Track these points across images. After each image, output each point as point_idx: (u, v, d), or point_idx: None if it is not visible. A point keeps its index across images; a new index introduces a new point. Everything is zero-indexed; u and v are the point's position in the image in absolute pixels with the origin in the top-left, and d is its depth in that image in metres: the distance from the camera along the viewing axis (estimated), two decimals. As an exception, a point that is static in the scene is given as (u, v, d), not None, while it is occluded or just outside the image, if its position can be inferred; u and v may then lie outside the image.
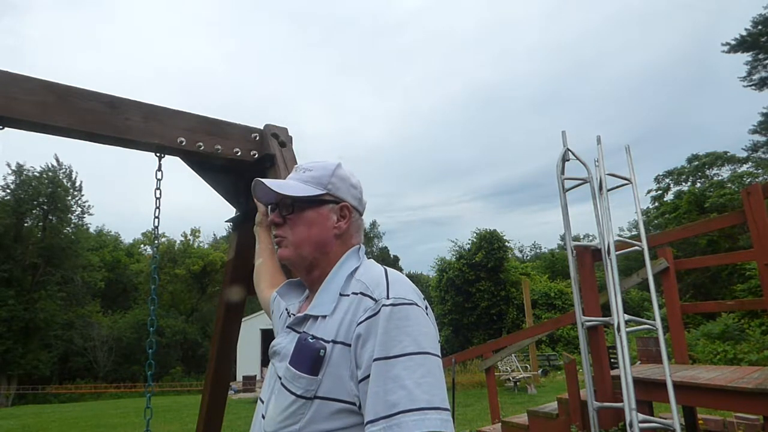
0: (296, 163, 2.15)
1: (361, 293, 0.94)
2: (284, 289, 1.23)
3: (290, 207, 1.08)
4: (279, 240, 1.09)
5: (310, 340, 0.92)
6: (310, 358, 0.90)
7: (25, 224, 32.80)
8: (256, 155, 2.14)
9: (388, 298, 0.91)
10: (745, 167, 26.56)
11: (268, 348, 1.11)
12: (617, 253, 4.08)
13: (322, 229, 1.07)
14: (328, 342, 0.91)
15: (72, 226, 34.87)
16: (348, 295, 0.97)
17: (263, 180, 1.10)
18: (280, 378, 0.96)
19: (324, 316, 0.96)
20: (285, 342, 1.03)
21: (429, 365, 0.84)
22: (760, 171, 24.81)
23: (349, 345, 0.89)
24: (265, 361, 26.26)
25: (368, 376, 0.84)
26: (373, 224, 53.58)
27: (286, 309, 1.14)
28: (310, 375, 0.89)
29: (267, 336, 26.45)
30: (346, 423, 0.88)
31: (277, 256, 1.12)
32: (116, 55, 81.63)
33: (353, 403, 0.88)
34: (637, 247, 4.52)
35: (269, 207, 1.16)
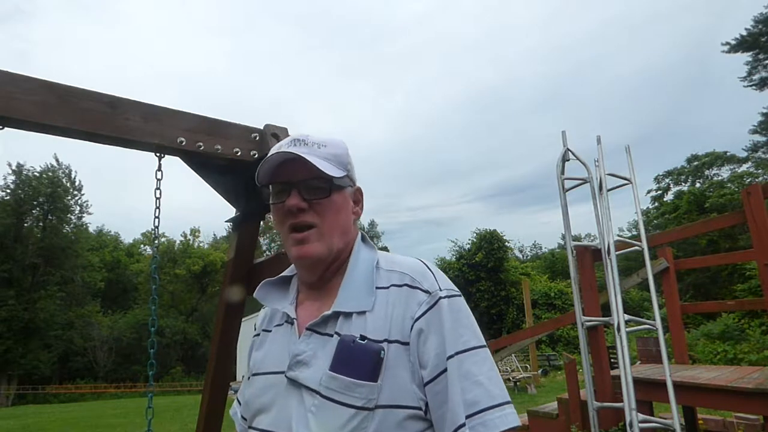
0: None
1: (407, 285, 0.85)
2: (263, 291, 1.02)
3: (324, 190, 0.90)
4: (304, 236, 0.89)
5: (362, 342, 0.80)
6: (368, 362, 0.78)
7: (25, 224, 32.81)
8: (256, 155, 2.14)
9: (441, 289, 0.84)
10: (745, 167, 26.57)
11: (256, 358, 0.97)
12: (617, 253, 4.08)
13: (347, 215, 0.95)
14: (380, 342, 0.80)
15: (72, 225, 34.88)
16: (387, 288, 0.86)
17: (295, 151, 0.88)
18: (317, 392, 0.80)
19: (362, 313, 0.84)
20: (311, 347, 0.85)
21: (490, 358, 0.82)
22: (760, 171, 24.81)
23: (407, 343, 0.80)
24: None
25: (437, 377, 0.78)
26: (372, 224, 53.53)
27: (285, 312, 0.96)
28: (370, 381, 0.77)
29: (267, 336, 26.38)
30: (413, 431, 0.78)
31: (298, 253, 0.89)
32: (116, 55, 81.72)
33: (419, 408, 0.78)
34: (637, 247, 4.52)
35: (276, 188, 0.94)
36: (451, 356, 0.78)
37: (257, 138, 2.17)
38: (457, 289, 0.87)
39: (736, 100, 57.77)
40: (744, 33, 21.82)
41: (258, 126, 2.19)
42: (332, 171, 0.90)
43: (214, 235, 49.90)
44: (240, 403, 1.04)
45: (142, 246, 45.23)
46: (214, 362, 2.40)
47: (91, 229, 40.33)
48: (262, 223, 2.46)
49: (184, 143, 1.95)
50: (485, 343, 0.83)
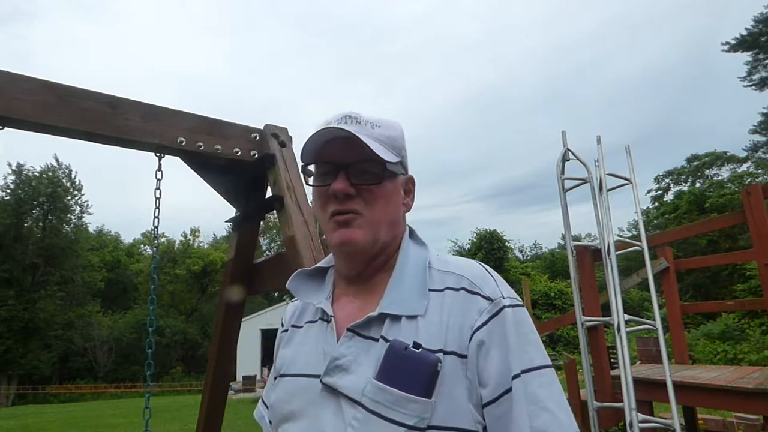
0: (296, 164, 2.15)
1: (465, 289, 0.76)
2: (297, 282, 0.93)
3: (376, 175, 0.81)
4: (348, 217, 0.80)
5: (417, 350, 0.70)
6: (422, 374, 0.69)
7: (25, 224, 32.79)
8: (256, 155, 2.14)
9: (504, 297, 0.75)
10: (745, 167, 26.58)
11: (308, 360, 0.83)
12: (617, 253, 4.08)
13: (397, 206, 0.86)
14: (435, 352, 0.70)
15: (72, 225, 34.88)
16: (441, 291, 0.77)
17: (348, 128, 0.79)
18: (359, 404, 0.70)
19: (413, 317, 0.75)
20: (352, 351, 0.76)
21: (557, 380, 0.73)
22: (760, 171, 24.82)
23: (464, 356, 0.70)
24: (265, 361, 26.27)
25: (499, 397, 0.69)
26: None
27: (320, 308, 0.86)
28: (424, 397, 0.67)
29: (267, 336, 26.43)
30: None
31: (339, 238, 0.80)
32: (116, 55, 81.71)
33: None
34: (637, 247, 4.51)
35: (321, 168, 0.84)
36: (516, 375, 0.69)
37: (257, 138, 2.17)
38: (519, 299, 0.78)
39: (736, 100, 57.86)
40: (744, 33, 21.82)
41: (258, 126, 2.19)
42: (386, 155, 0.80)
43: (214, 235, 49.89)
44: (267, 406, 0.94)
45: (142, 246, 45.21)
46: (214, 362, 2.40)
47: (91, 229, 40.35)
48: (262, 223, 2.46)
49: (184, 143, 1.95)
50: (551, 363, 0.74)
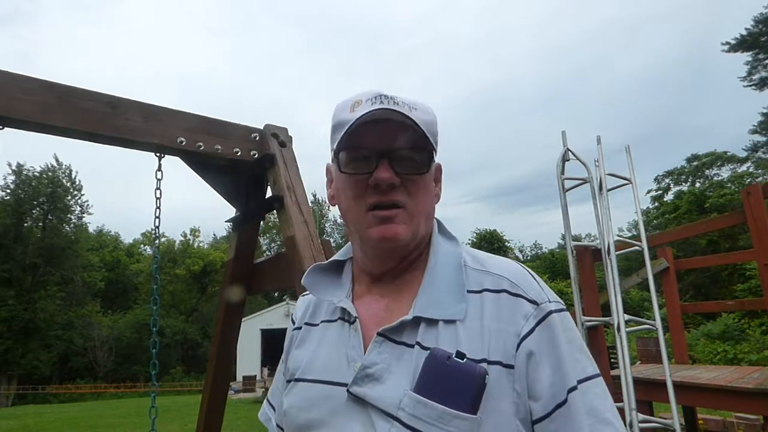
0: (296, 164, 2.15)
1: (507, 292, 0.69)
2: (312, 277, 0.84)
3: (422, 164, 0.74)
4: (393, 213, 0.71)
5: (461, 360, 0.63)
6: (468, 388, 0.62)
7: (25, 224, 32.80)
8: (256, 155, 2.14)
9: (550, 301, 0.70)
10: (745, 167, 26.59)
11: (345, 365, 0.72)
12: (617, 253, 4.08)
13: (432, 197, 0.79)
14: (479, 362, 0.64)
15: (72, 225, 34.90)
16: (479, 292, 0.70)
17: (397, 97, 0.73)
18: (395, 418, 0.63)
19: (451, 322, 0.68)
20: (384, 358, 0.68)
21: (606, 388, 0.68)
22: (760, 171, 24.83)
23: (511, 366, 0.64)
24: (265, 361, 26.24)
25: (553, 411, 0.63)
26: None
27: (341, 308, 0.78)
28: (470, 413, 0.60)
29: (267, 336, 26.42)
30: None
31: (381, 234, 0.71)
32: (116, 55, 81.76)
33: None
34: (637, 247, 4.51)
35: (355, 154, 0.74)
36: (573, 388, 0.63)
37: (257, 138, 2.17)
38: (562, 302, 0.73)
39: (736, 100, 57.88)
40: (744, 33, 21.82)
41: (258, 126, 2.19)
42: (431, 142, 0.73)
43: (214, 235, 49.91)
44: (273, 408, 0.88)
45: (142, 246, 45.22)
46: (214, 362, 2.40)
47: (91, 229, 40.40)
48: (262, 223, 2.46)
49: (184, 143, 1.95)
50: (599, 370, 0.69)
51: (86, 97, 1.78)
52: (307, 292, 0.88)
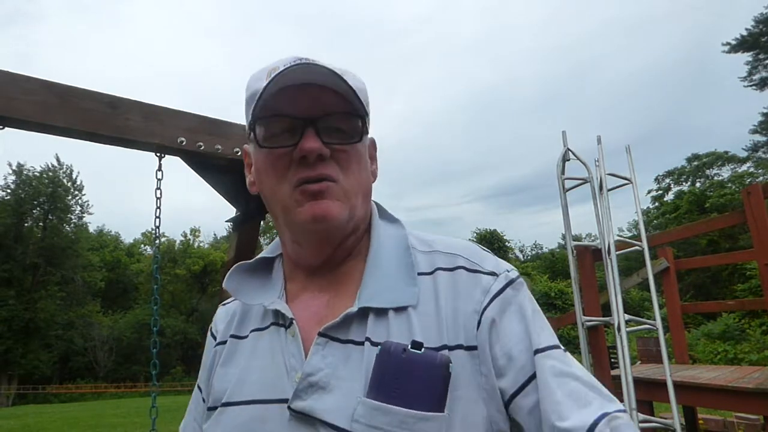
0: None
1: (463, 268, 0.63)
2: (236, 279, 0.71)
3: (353, 133, 0.64)
4: (323, 186, 0.61)
5: (418, 351, 0.54)
6: (431, 382, 0.53)
7: (26, 224, 32.81)
8: (257, 155, 2.13)
9: (509, 270, 0.64)
10: (745, 167, 26.59)
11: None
12: (617, 253, 4.07)
13: (368, 172, 0.69)
14: (439, 349, 0.56)
15: (72, 225, 34.92)
16: (430, 273, 0.63)
17: (318, 62, 0.61)
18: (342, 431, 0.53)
19: (402, 309, 0.59)
20: (329, 362, 0.58)
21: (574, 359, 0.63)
22: (760, 171, 24.83)
23: (474, 348, 0.57)
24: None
25: (525, 385, 0.56)
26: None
27: (273, 310, 0.66)
28: (436, 411, 0.52)
29: (267, 336, 26.37)
30: None
31: (312, 212, 0.61)
32: (116, 55, 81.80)
33: None
34: (637, 247, 4.51)
35: (277, 124, 0.63)
36: (539, 350, 0.57)
37: (257, 138, 2.17)
38: (518, 272, 0.67)
39: (736, 100, 57.89)
40: (744, 33, 21.82)
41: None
42: (363, 107, 0.63)
43: (214, 235, 49.90)
44: None
45: (142, 246, 45.23)
46: (215, 362, 2.41)
47: (92, 228, 40.41)
48: (262, 223, 2.46)
49: (184, 143, 1.95)
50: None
51: (87, 97, 1.78)
52: (230, 300, 0.76)
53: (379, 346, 0.56)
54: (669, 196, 29.35)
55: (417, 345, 0.55)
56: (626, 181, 4.57)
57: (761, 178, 23.73)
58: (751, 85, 22.99)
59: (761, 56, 22.06)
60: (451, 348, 0.57)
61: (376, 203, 0.74)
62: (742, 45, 22.10)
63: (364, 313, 0.60)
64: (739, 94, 29.39)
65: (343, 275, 0.67)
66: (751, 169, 25.72)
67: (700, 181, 28.36)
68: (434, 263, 0.64)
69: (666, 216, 25.89)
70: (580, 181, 4.48)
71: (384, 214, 0.73)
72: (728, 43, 22.51)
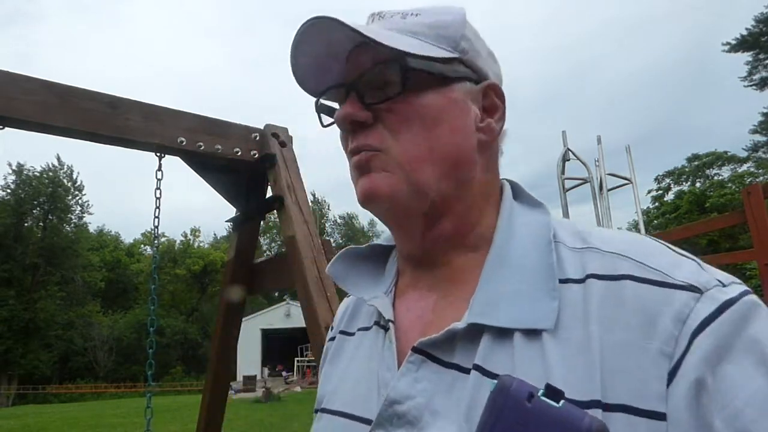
0: (296, 164, 2.15)
1: (632, 278, 0.40)
2: (342, 265, 0.60)
3: (396, 84, 0.49)
4: (362, 157, 0.50)
5: (555, 403, 0.33)
6: None
7: (26, 224, 32.83)
8: (257, 155, 2.13)
9: (723, 284, 0.38)
10: (745, 167, 26.61)
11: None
12: (617, 253, 4.08)
13: (456, 130, 0.50)
14: (587, 405, 0.36)
15: (72, 225, 34.95)
16: (581, 282, 0.43)
17: (332, 16, 0.48)
18: None
19: (534, 332, 0.41)
20: (423, 389, 0.44)
21: None
22: (760, 171, 24.85)
23: (659, 415, 0.35)
24: (265, 361, 26.24)
25: None
26: (372, 223, 53.34)
27: (374, 308, 0.55)
28: None
29: (267, 336, 26.43)
30: None
31: (361, 189, 0.51)
32: (116, 55, 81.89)
33: None
34: (637, 247, 4.52)
35: (333, 96, 0.56)
36: None
37: (257, 138, 2.16)
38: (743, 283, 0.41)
39: (736, 100, 57.90)
40: (744, 33, 21.84)
41: (258, 126, 2.19)
42: (412, 47, 0.47)
43: (214, 235, 49.91)
44: None
45: (142, 246, 45.24)
46: (215, 362, 2.40)
47: (92, 228, 40.42)
48: (262, 223, 2.46)
49: (184, 143, 1.95)
50: None
51: (87, 97, 1.78)
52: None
53: (496, 382, 0.35)
54: (669, 196, 29.37)
55: (554, 392, 0.33)
56: (626, 181, 4.57)
57: (761, 178, 23.74)
58: (751, 85, 23.03)
59: (761, 56, 22.09)
60: (609, 407, 0.36)
61: (510, 181, 0.56)
62: (742, 45, 22.12)
63: (476, 330, 0.44)
64: (739, 94, 29.43)
65: (457, 271, 0.51)
66: (752, 169, 25.75)
67: (700, 181, 28.38)
68: (587, 267, 0.43)
69: (666, 216, 25.91)
70: (580, 181, 4.48)
71: (521, 196, 0.55)
72: (728, 43, 22.55)
